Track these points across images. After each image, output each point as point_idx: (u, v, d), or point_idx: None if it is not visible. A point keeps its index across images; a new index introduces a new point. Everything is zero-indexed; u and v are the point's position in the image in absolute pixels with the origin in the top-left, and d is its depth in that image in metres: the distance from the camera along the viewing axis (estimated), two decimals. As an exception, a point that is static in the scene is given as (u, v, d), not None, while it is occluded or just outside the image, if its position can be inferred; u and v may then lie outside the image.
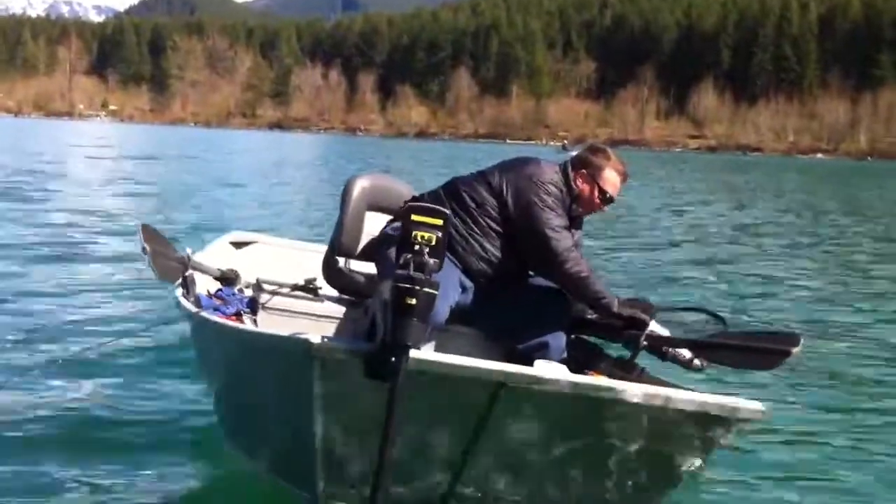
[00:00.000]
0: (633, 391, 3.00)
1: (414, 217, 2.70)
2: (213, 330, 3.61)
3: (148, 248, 4.13)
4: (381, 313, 2.75)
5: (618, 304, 3.93)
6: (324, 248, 5.27)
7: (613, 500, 3.22)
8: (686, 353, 3.92)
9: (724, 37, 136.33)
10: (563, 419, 3.00)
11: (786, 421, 5.07)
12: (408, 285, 2.62)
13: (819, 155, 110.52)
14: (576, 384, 2.96)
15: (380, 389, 2.72)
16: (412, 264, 2.65)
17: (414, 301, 2.62)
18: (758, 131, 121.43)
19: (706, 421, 3.06)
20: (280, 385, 3.12)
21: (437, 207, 2.79)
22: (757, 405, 3.09)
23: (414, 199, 4.18)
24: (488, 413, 2.94)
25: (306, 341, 2.81)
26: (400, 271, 2.65)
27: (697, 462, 3.19)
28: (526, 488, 3.16)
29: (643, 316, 3.92)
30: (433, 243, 2.68)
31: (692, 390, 3.26)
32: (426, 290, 2.63)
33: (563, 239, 3.87)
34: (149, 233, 4.31)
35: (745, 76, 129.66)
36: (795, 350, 3.56)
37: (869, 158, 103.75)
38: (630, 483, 3.19)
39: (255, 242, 5.41)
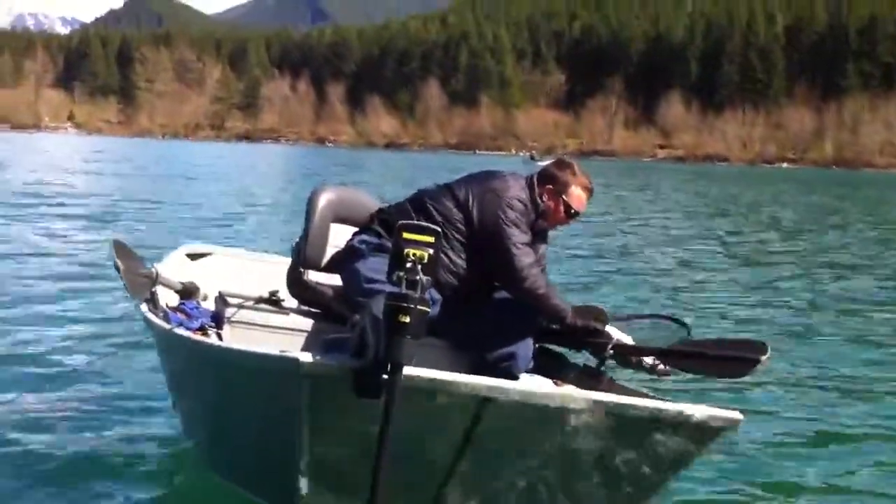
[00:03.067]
0: (618, 402, 3.03)
1: (405, 234, 2.72)
2: (190, 348, 3.53)
3: (121, 265, 4.09)
4: (371, 330, 2.74)
5: (572, 314, 4.01)
6: (280, 259, 5.27)
7: None
8: (651, 360, 3.94)
9: (692, 48, 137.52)
10: (546, 431, 3.01)
11: (758, 429, 5.09)
12: (402, 303, 2.63)
13: (785, 164, 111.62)
14: (564, 397, 2.99)
15: (367, 406, 2.72)
16: (405, 282, 2.66)
17: (408, 319, 2.62)
18: (725, 141, 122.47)
19: (686, 430, 3.07)
20: (264, 403, 3.08)
21: (429, 225, 2.84)
22: (735, 414, 3.12)
23: (380, 211, 4.21)
24: (474, 427, 2.95)
25: (295, 359, 2.78)
26: (393, 289, 2.66)
27: (676, 471, 3.22)
28: (510, 500, 3.17)
29: (597, 324, 4.02)
30: (425, 260, 2.69)
31: (667, 400, 3.28)
32: (420, 307, 2.63)
33: (524, 256, 3.92)
34: (120, 249, 4.27)
35: (713, 86, 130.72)
36: (764, 358, 3.61)
37: (834, 167, 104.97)
38: (611, 493, 3.21)
39: (210, 254, 5.37)
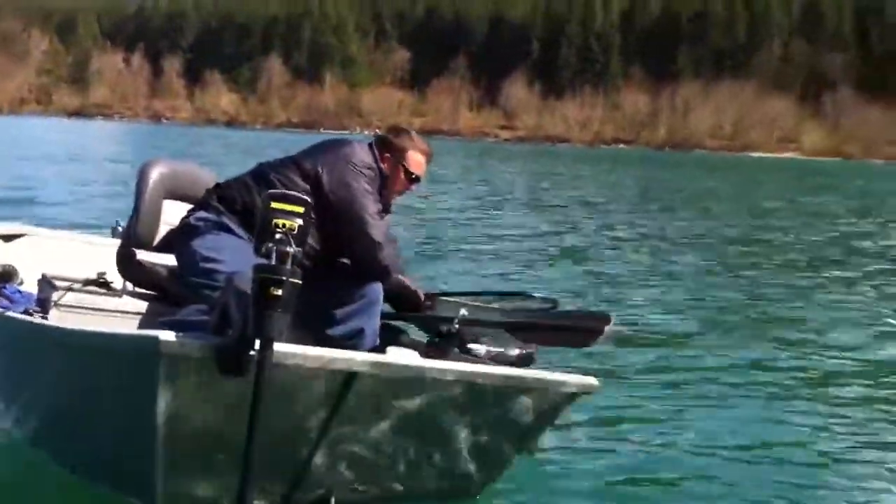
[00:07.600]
0: (483, 372, 3.14)
1: (273, 204, 2.63)
2: (30, 332, 3.37)
3: None
4: (236, 305, 2.64)
5: (424, 297, 4.17)
6: (102, 240, 5.11)
7: (458, 479, 3.37)
8: (482, 350, 3.99)
9: (534, 29, 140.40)
10: (411, 403, 3.06)
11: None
12: (273, 275, 2.54)
13: (621, 145, 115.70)
14: (431, 369, 3.04)
15: (231, 386, 2.66)
16: (275, 253, 2.57)
17: (280, 292, 2.53)
18: (565, 122, 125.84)
19: (544, 396, 3.20)
20: (118, 387, 2.94)
21: (298, 195, 2.76)
22: (591, 380, 3.28)
23: (217, 186, 4.09)
24: (341, 400, 2.93)
25: (154, 338, 2.64)
26: (262, 261, 2.58)
27: (534, 436, 3.41)
28: (375, 473, 3.21)
29: (434, 312, 4.15)
30: (295, 231, 2.61)
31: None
32: (292, 280, 2.56)
33: (379, 226, 3.89)
34: None
35: (553, 69, 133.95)
36: (607, 328, 3.78)
37: (666, 149, 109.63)
38: (473, 461, 3.32)
39: (24, 235, 5.15)
